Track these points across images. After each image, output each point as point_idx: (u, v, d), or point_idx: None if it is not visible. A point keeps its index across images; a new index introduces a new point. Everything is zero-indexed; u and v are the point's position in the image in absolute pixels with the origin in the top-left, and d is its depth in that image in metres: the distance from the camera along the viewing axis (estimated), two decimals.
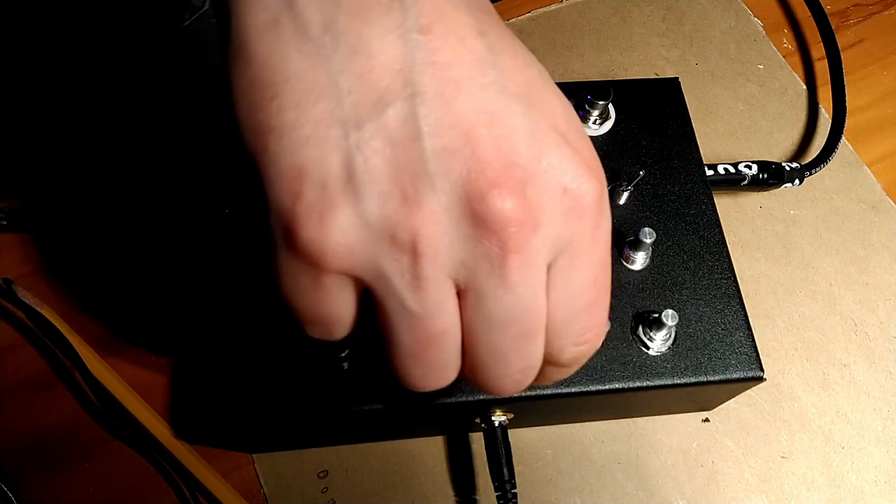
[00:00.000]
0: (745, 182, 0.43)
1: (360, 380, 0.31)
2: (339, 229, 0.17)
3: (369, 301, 0.19)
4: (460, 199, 0.18)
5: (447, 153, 0.18)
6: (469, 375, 0.21)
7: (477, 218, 0.18)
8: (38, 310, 0.37)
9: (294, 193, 0.18)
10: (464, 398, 0.31)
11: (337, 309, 0.19)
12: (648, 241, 0.33)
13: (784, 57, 0.51)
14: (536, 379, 0.22)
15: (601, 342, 0.22)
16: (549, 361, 0.21)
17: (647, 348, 0.32)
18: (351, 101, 0.17)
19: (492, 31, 0.19)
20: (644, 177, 0.37)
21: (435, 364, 0.20)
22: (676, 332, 0.33)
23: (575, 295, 0.20)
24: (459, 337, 0.20)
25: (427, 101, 0.18)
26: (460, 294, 0.19)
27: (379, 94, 0.17)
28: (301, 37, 0.18)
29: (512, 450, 0.34)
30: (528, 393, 0.31)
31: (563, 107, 0.20)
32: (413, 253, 0.18)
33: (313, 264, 0.18)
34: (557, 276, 0.20)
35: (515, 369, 0.20)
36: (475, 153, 0.18)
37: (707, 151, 0.46)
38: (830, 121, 0.48)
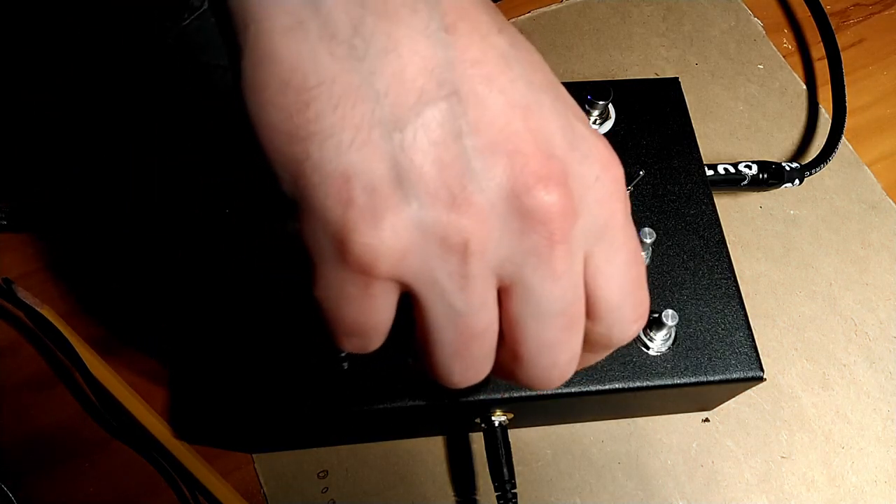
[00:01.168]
0: (745, 182, 0.43)
1: (360, 380, 0.31)
2: (393, 232, 0.17)
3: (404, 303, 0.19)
4: (506, 195, 0.18)
5: (489, 150, 0.18)
6: (510, 372, 0.21)
7: (524, 212, 0.18)
8: (38, 310, 0.37)
9: (344, 199, 0.17)
10: (464, 398, 0.31)
11: (379, 317, 0.19)
12: (648, 241, 0.33)
13: (784, 57, 0.51)
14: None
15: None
16: (606, 345, 0.22)
17: (647, 348, 0.32)
18: (389, 103, 0.17)
19: (507, 27, 0.19)
20: (644, 177, 0.37)
21: (475, 360, 0.20)
22: (676, 332, 0.33)
23: (623, 274, 0.21)
24: (497, 331, 0.20)
25: (462, 99, 0.18)
26: (503, 289, 0.19)
27: (416, 94, 0.17)
28: (330, 39, 0.17)
29: (512, 450, 0.34)
30: (528, 393, 0.31)
31: (573, 99, 0.21)
32: (464, 253, 0.18)
33: (365, 271, 0.18)
34: (603, 260, 0.20)
35: (563, 360, 0.20)
36: (516, 148, 0.18)
37: (707, 151, 0.46)
38: (830, 121, 0.48)
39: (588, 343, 0.22)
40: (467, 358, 0.20)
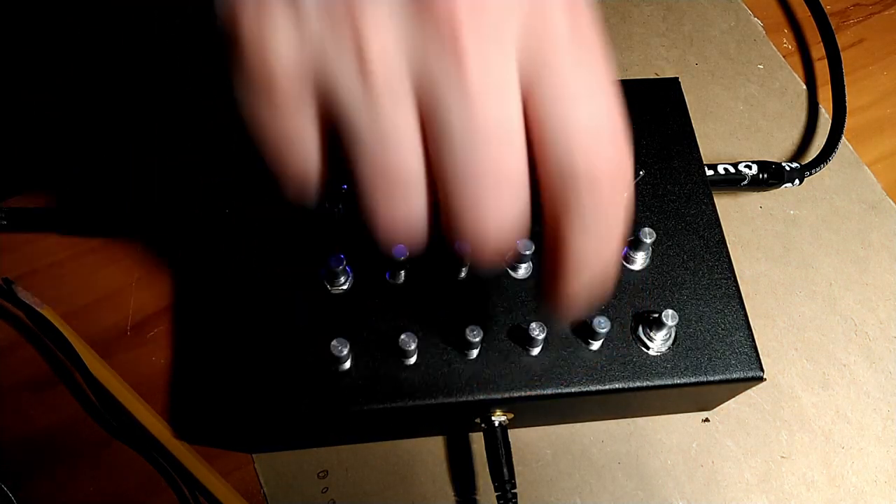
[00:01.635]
0: (745, 182, 0.43)
1: (360, 380, 0.31)
2: (280, 41, 0.17)
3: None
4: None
5: None
6: (449, 223, 0.19)
7: (423, 13, 0.16)
8: (38, 310, 0.37)
9: (231, 4, 0.17)
10: (464, 398, 0.31)
11: (299, 135, 0.18)
12: (648, 241, 0.33)
13: (784, 57, 0.51)
14: (562, 260, 0.19)
15: (626, 177, 0.19)
16: (571, 175, 0.18)
17: (647, 348, 0.32)
18: None
19: None
20: (644, 177, 0.37)
21: (399, 190, 0.18)
22: (676, 332, 0.33)
23: (567, 105, 0.18)
24: (423, 167, 0.18)
25: None
26: (426, 122, 0.18)
27: None
28: None
29: (512, 450, 0.34)
30: (528, 393, 0.31)
31: None
32: (358, 51, 0.17)
33: (263, 80, 0.17)
34: (543, 86, 0.18)
35: (495, 205, 0.18)
36: None
37: (707, 151, 0.46)
38: (830, 121, 0.48)
39: (553, 188, 0.18)
40: (391, 186, 0.18)
